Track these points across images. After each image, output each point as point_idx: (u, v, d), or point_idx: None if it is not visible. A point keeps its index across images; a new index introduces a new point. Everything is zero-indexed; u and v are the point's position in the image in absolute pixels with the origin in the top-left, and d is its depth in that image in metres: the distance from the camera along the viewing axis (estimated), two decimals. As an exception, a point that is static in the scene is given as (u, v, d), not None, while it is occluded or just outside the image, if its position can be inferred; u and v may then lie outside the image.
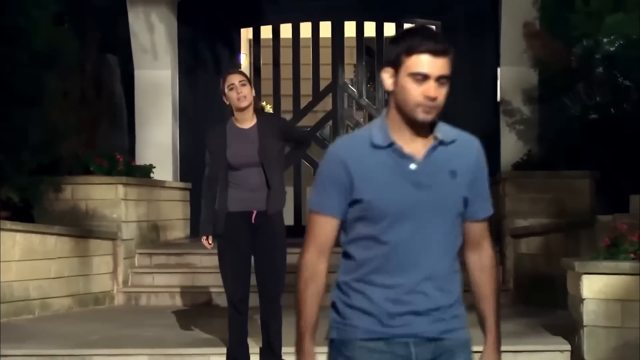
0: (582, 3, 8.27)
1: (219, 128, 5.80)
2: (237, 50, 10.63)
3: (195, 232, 10.29)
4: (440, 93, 2.75)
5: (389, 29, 10.71)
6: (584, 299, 5.82)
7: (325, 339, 2.90)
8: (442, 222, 2.80)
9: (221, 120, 10.25)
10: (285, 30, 10.73)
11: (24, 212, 8.08)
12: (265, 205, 5.62)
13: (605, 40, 8.10)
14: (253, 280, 5.68)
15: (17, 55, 7.88)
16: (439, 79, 2.75)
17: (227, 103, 5.72)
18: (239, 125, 5.71)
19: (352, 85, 10.96)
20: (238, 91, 5.62)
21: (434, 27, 10.41)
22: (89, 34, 9.35)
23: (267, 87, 10.87)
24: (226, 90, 5.67)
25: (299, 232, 11.24)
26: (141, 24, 9.93)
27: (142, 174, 9.16)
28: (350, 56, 11.77)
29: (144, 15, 9.92)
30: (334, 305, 2.88)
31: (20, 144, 7.96)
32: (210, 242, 5.70)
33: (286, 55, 10.74)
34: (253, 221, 5.64)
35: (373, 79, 11.39)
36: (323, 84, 10.79)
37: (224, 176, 5.63)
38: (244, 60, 11.60)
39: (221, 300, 8.22)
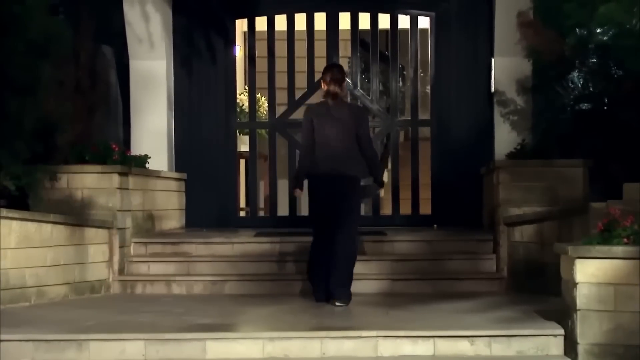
0: (575, -8, 8.31)
1: None
2: (232, 41, 10.65)
3: (190, 223, 10.34)
4: None
5: (384, 21, 10.74)
6: (577, 283, 5.86)
7: None
8: None
9: (216, 111, 10.41)
10: (280, 22, 10.75)
11: (20, 200, 8.09)
12: None
13: (598, 29, 8.14)
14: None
15: (12, 44, 7.88)
16: None
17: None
18: None
19: (346, 77, 10.97)
20: None
21: (428, 18, 10.46)
22: (84, 24, 9.36)
23: (261, 79, 10.88)
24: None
25: (294, 222, 11.19)
26: (136, 14, 9.95)
27: (137, 164, 9.17)
28: (344, 49, 11.79)
29: (139, 6, 9.93)
30: None
31: (15, 132, 7.97)
32: None
33: (281, 48, 10.76)
34: None
35: (367, 71, 11.41)
36: (317, 76, 10.79)
37: None
38: (239, 52, 11.60)
39: (216, 289, 8.28)
